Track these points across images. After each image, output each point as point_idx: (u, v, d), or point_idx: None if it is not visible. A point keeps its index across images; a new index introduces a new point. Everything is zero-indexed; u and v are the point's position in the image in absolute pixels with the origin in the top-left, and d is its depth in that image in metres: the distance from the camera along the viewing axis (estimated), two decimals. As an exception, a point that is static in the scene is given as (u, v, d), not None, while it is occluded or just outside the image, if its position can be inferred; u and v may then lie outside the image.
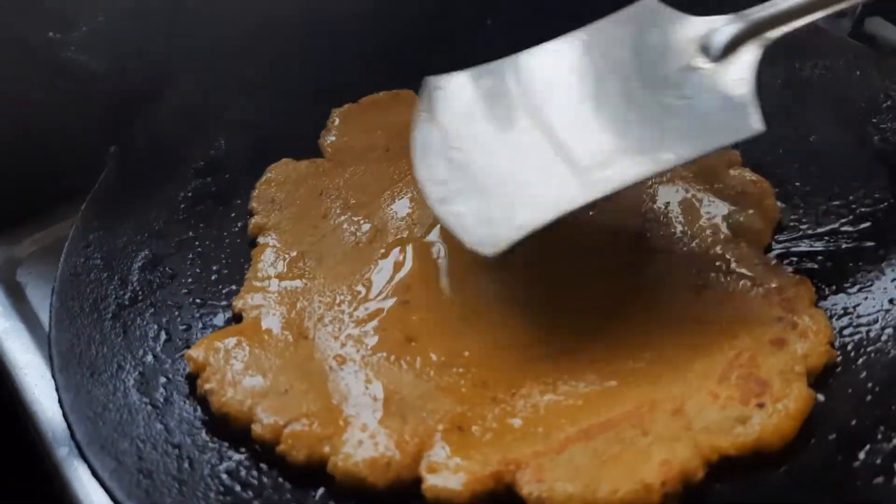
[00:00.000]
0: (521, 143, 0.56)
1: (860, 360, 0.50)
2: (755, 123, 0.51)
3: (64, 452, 0.56)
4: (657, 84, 0.56)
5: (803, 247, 0.57)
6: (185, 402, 0.52)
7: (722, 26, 0.56)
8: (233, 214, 0.64)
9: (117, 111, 0.67)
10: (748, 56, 0.55)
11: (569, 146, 0.55)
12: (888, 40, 0.76)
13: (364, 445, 0.47)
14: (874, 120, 0.62)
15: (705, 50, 0.56)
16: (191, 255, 0.61)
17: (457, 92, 0.60)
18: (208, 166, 0.67)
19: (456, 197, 0.54)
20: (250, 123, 0.69)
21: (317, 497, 0.48)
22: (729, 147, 0.59)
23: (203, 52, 0.68)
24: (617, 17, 0.60)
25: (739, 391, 0.48)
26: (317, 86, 0.71)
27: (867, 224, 0.57)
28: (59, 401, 0.52)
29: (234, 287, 0.59)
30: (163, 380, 0.54)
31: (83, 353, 0.55)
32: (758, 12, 0.56)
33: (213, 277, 0.60)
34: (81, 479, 0.54)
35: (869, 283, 0.54)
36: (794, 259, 0.56)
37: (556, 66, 0.60)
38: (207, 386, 0.51)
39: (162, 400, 0.52)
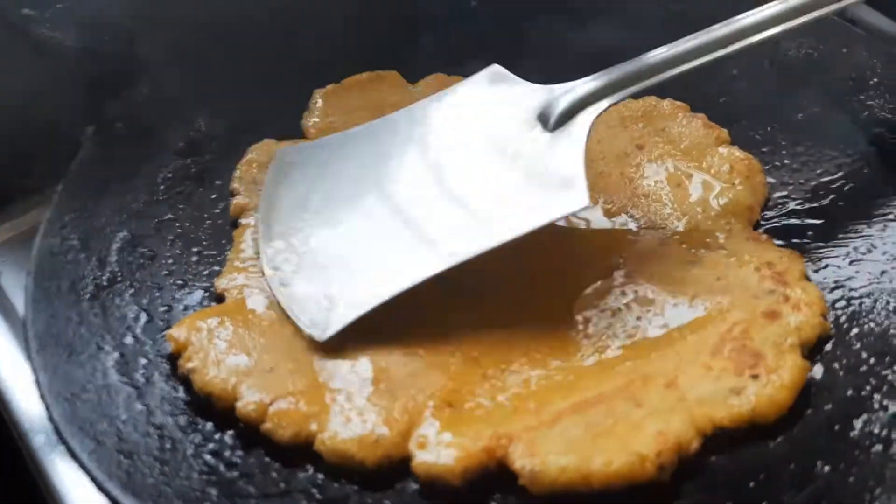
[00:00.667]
0: (364, 219, 0.56)
1: (854, 332, 0.50)
2: (579, 199, 0.50)
3: (41, 440, 0.54)
4: (498, 154, 0.55)
5: (793, 222, 0.56)
6: (166, 382, 0.51)
7: (559, 96, 0.54)
8: (213, 196, 0.63)
9: (94, 91, 0.65)
10: (580, 126, 0.53)
11: (410, 220, 0.54)
12: (870, 24, 0.76)
13: (352, 423, 0.46)
14: (861, 97, 0.62)
15: (543, 119, 0.54)
16: (171, 237, 0.60)
17: (303, 165, 0.60)
18: (188, 147, 0.66)
19: (296, 278, 0.54)
20: (230, 104, 0.68)
21: (304, 477, 0.46)
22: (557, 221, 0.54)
23: (182, 31, 0.67)
24: (463, 85, 0.60)
25: (733, 363, 0.47)
26: (298, 67, 0.70)
27: (856, 199, 0.57)
28: (37, 382, 0.50)
29: (215, 268, 0.58)
30: (143, 361, 0.52)
31: (60, 333, 0.53)
32: (591, 82, 0.54)
33: (193, 259, 0.59)
34: (59, 468, 0.52)
35: (860, 257, 0.53)
36: (785, 234, 0.56)
37: (400, 136, 0.59)
38: (189, 365, 0.50)
39: (143, 381, 0.51)
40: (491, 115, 0.57)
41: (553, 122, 0.54)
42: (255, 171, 0.63)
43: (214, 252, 0.59)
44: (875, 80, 0.62)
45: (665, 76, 0.54)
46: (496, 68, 0.59)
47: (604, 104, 0.54)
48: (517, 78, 0.58)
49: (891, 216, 0.55)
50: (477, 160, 0.55)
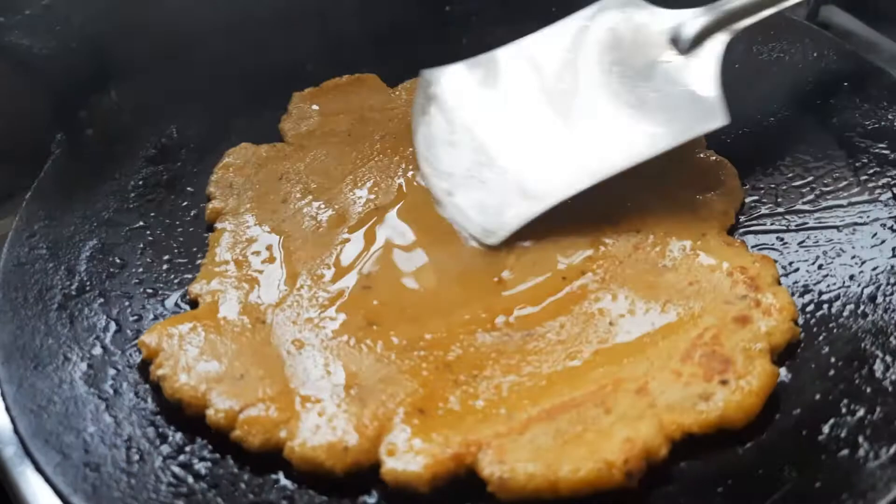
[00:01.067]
0: (515, 134, 0.59)
1: (822, 336, 0.50)
2: (719, 117, 0.54)
3: (10, 452, 0.53)
4: (632, 77, 0.58)
5: (765, 226, 0.57)
6: (135, 393, 0.50)
7: (690, 19, 0.58)
8: (185, 203, 0.63)
9: (63, 98, 0.65)
10: (713, 48, 0.57)
11: (558, 136, 0.58)
12: (842, 27, 0.77)
13: (321, 430, 0.46)
14: (832, 101, 0.62)
15: (674, 42, 0.58)
16: (141, 245, 0.60)
17: (452, 85, 0.63)
18: (159, 154, 0.66)
19: (458, 189, 0.58)
20: (202, 111, 0.67)
21: (274, 487, 0.46)
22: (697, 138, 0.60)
23: (153, 37, 0.66)
24: (589, 11, 0.62)
25: (703, 369, 0.47)
26: (273, 72, 0.69)
27: (827, 203, 0.57)
28: (1, 394, 0.49)
29: (187, 276, 0.57)
30: (112, 371, 0.52)
31: (27, 344, 0.52)
32: (724, 5, 0.58)
33: (164, 267, 0.58)
34: (28, 479, 0.52)
35: (830, 261, 0.53)
36: (756, 239, 0.56)
37: (540, 59, 0.62)
38: (160, 372, 0.49)
39: (111, 392, 0.50)
40: (623, 39, 0.60)
41: (687, 44, 0.57)
42: (232, 175, 0.63)
43: (185, 260, 0.59)
44: (845, 83, 0.63)
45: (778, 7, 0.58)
46: None
47: (738, 26, 0.57)
48: (644, 3, 0.61)
49: (860, 220, 0.55)
50: (616, 81, 0.59)
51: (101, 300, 0.56)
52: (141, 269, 0.58)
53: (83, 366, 0.52)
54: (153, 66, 0.67)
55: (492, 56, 0.63)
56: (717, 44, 0.57)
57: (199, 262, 0.58)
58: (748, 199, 0.58)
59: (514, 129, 0.60)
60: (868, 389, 0.46)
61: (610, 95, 0.58)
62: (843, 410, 0.45)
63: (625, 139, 0.56)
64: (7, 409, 0.49)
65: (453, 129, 0.61)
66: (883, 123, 0.59)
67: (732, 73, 0.65)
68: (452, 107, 0.62)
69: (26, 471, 0.47)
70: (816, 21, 0.76)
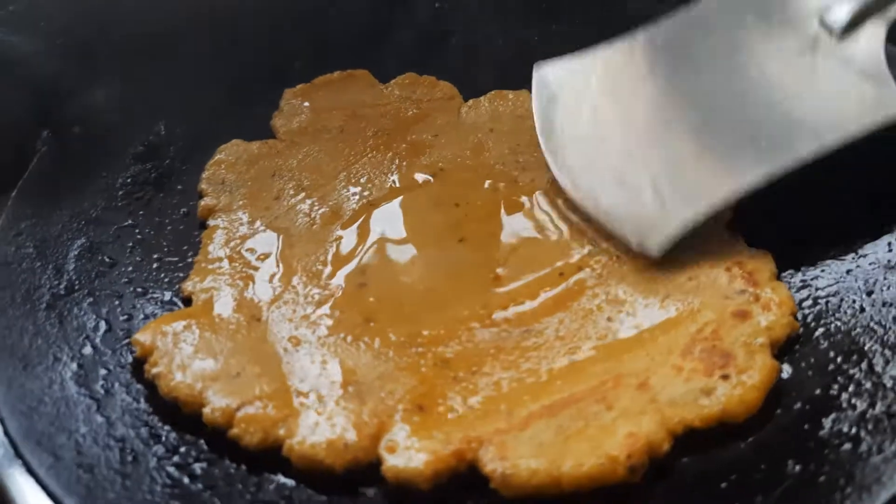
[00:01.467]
0: (655, 129, 0.55)
1: (821, 331, 0.50)
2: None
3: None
4: (784, 62, 0.54)
5: (761, 220, 0.56)
6: (127, 393, 0.50)
7: (839, 1, 0.54)
8: (174, 201, 0.62)
9: (49, 94, 0.64)
10: (874, 32, 0.53)
11: (705, 132, 0.54)
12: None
13: (320, 427, 0.45)
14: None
15: (827, 26, 0.54)
16: (130, 243, 0.59)
17: (572, 78, 0.59)
18: (147, 152, 0.65)
19: (600, 191, 0.54)
20: (190, 108, 0.66)
21: (272, 488, 0.45)
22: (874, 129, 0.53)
23: (140, 33, 0.65)
24: None
25: (703, 364, 0.47)
26: (262, 69, 0.69)
27: (823, 197, 0.57)
28: (-9, 396, 0.48)
29: (177, 275, 0.56)
30: (103, 371, 0.51)
31: (15, 345, 0.51)
32: None
33: (154, 266, 0.57)
34: (18, 482, 0.51)
35: (826, 256, 0.53)
36: (753, 233, 0.56)
37: (674, 47, 0.58)
38: (155, 370, 0.48)
39: (102, 392, 0.50)
40: (770, 21, 0.56)
41: (843, 26, 0.53)
42: (224, 171, 0.62)
43: (176, 258, 0.58)
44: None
45: None
46: None
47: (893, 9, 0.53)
48: None
49: (856, 214, 0.55)
50: (766, 69, 0.54)
51: (91, 299, 0.55)
52: (130, 268, 0.57)
53: (73, 366, 0.51)
54: (140, 63, 0.66)
55: (617, 46, 0.59)
56: (877, 27, 0.53)
57: (189, 260, 0.57)
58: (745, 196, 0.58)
59: (653, 123, 0.56)
60: (868, 384, 0.46)
61: (762, 84, 0.54)
62: (844, 405, 0.45)
63: (788, 133, 0.52)
64: (-5, 410, 0.48)
65: (582, 126, 0.57)
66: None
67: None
68: (583, 105, 0.58)
69: (14, 473, 0.46)
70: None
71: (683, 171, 0.53)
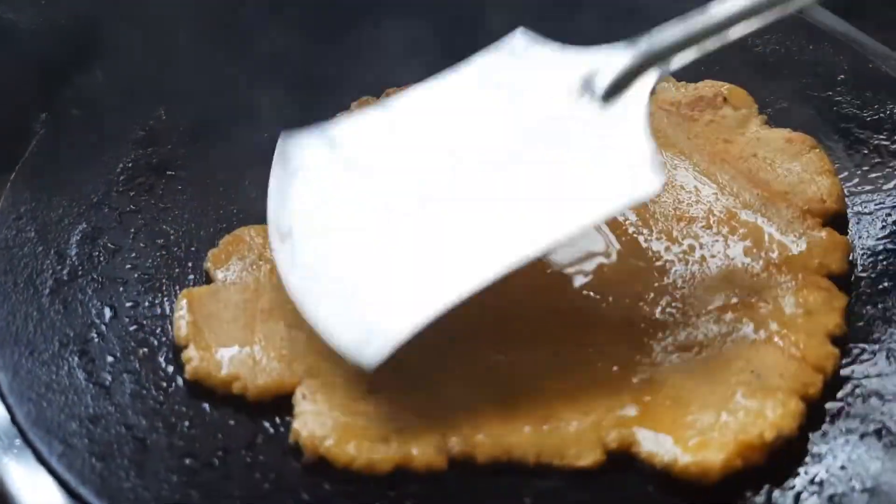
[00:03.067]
0: (394, 219, 0.48)
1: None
2: (653, 182, 0.44)
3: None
4: (540, 134, 0.48)
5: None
6: (136, 381, 0.48)
7: (607, 60, 0.48)
8: (177, 187, 0.60)
9: (48, 76, 0.62)
10: (638, 95, 0.47)
11: (450, 218, 0.46)
12: (827, 26, 0.78)
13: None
14: (829, 92, 0.63)
15: (589, 89, 0.47)
16: (133, 229, 0.57)
17: (319, 153, 0.52)
18: (148, 137, 0.63)
19: (325, 293, 0.47)
20: (193, 93, 0.65)
21: (290, 473, 0.44)
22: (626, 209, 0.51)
23: (145, 14, 0.64)
24: (486, 55, 0.53)
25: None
26: (269, 52, 0.67)
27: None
28: (-4, 382, 0.47)
29: (182, 261, 0.55)
30: (110, 359, 0.50)
31: (20, 330, 0.50)
32: (650, 39, 0.48)
33: (160, 252, 0.56)
34: (11, 473, 0.49)
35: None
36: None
37: (423, 118, 0.52)
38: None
39: (110, 379, 0.48)
40: (528, 86, 0.50)
41: (604, 90, 0.47)
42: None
43: (180, 245, 0.56)
44: (842, 76, 0.63)
45: (729, 35, 0.47)
46: (523, 33, 0.52)
47: (669, 67, 0.47)
48: (549, 41, 0.51)
49: (864, 210, 0.56)
50: (520, 140, 0.48)
51: (95, 285, 0.53)
52: (134, 254, 0.56)
53: (80, 352, 0.49)
54: (143, 45, 0.65)
55: (371, 113, 0.54)
56: (643, 87, 0.47)
57: (192, 248, 0.56)
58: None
59: (402, 209, 0.48)
60: (885, 374, 0.46)
61: (515, 157, 0.47)
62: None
63: (538, 215, 0.45)
64: (2, 397, 0.46)
65: (319, 214, 0.50)
66: (882, 115, 0.60)
67: (729, 66, 0.66)
68: (320, 183, 0.51)
69: (24, 461, 0.45)
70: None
71: (418, 269, 0.46)
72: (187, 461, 0.45)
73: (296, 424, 0.45)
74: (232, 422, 0.47)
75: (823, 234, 0.52)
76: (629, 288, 0.50)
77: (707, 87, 0.63)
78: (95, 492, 0.42)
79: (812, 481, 0.42)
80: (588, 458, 0.43)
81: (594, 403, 0.44)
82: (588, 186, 0.46)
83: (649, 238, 0.53)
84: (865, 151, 0.59)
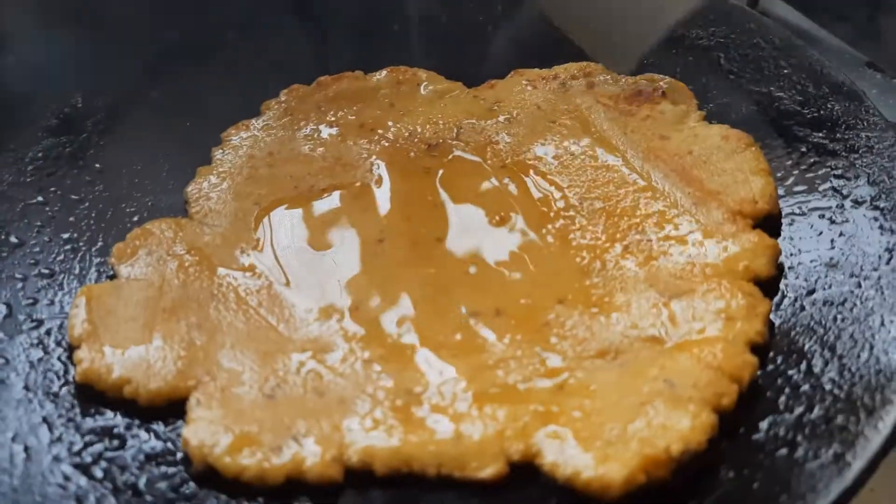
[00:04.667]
0: None
1: (760, 330, 0.48)
2: None
3: None
4: None
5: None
6: (25, 386, 0.46)
7: None
8: (90, 178, 0.58)
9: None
10: None
11: None
12: (782, 19, 0.76)
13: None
14: (771, 88, 0.61)
15: None
16: (39, 222, 0.55)
17: None
18: (62, 124, 0.61)
19: None
20: (112, 78, 0.62)
21: (175, 486, 0.42)
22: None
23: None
24: None
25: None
26: (189, 37, 0.64)
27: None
28: None
29: (89, 257, 0.53)
30: (0, 361, 0.47)
31: None
32: None
33: (65, 247, 0.54)
34: None
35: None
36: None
37: None
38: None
39: (-2, 383, 0.46)
40: None
41: None
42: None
43: (87, 239, 0.54)
44: (786, 70, 0.61)
45: None
46: None
47: None
48: None
49: (797, 211, 0.54)
50: None
51: (-10, 282, 0.51)
52: (37, 249, 0.53)
53: (-33, 354, 0.47)
54: (56, 27, 0.62)
55: None
56: None
57: (100, 243, 0.53)
58: (686, 188, 0.56)
59: None
60: (806, 386, 0.44)
61: None
62: (782, 408, 0.44)
63: None
64: None
65: None
66: (822, 112, 0.58)
67: (672, 57, 0.64)
68: None
69: None
70: (757, 10, 0.75)
71: None
72: (68, 471, 0.42)
73: (186, 432, 0.43)
74: (121, 428, 0.44)
75: (753, 236, 0.50)
76: (547, 288, 0.48)
77: (646, 80, 0.61)
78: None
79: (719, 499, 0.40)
80: (490, 469, 0.41)
81: (498, 412, 0.42)
82: None
83: (575, 234, 0.51)
84: (804, 149, 0.57)
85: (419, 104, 0.61)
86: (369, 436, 0.42)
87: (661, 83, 0.61)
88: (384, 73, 0.63)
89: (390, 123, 0.59)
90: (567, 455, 0.40)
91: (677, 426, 0.40)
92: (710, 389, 0.42)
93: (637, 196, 0.53)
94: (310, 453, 0.42)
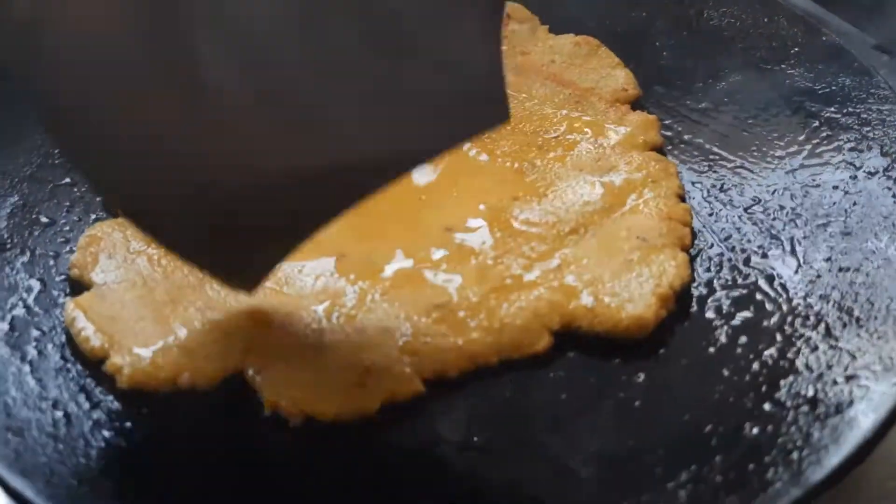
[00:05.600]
0: None
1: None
2: (501, 112, 0.40)
3: None
4: (380, 45, 0.37)
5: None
6: (61, 356, 0.47)
7: None
8: (115, 160, 0.59)
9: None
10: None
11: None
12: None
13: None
14: (782, 66, 0.62)
15: None
16: (67, 202, 0.56)
17: None
18: (87, 109, 0.61)
19: (192, 228, 0.41)
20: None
21: (217, 454, 0.43)
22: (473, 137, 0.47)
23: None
24: None
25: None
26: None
27: (780, 167, 0.56)
28: (-89, 355, 0.46)
29: (117, 235, 0.54)
30: (36, 333, 0.48)
31: (-59, 303, 0.49)
32: None
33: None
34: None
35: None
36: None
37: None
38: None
39: (35, 353, 0.47)
40: None
41: None
42: None
43: (113, 217, 0.55)
44: (796, 49, 0.63)
45: None
46: None
47: None
48: None
49: (811, 183, 0.55)
50: (357, 52, 0.36)
51: (24, 259, 0.52)
52: (67, 228, 0.54)
53: (4, 326, 0.48)
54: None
55: None
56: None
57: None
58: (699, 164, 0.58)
59: None
60: (825, 346, 0.46)
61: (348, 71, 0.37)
62: (801, 368, 0.45)
63: (370, 137, 0.38)
64: (-82, 370, 0.45)
65: None
66: (833, 88, 0.59)
67: (682, 37, 0.65)
68: None
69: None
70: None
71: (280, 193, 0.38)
72: (108, 435, 0.43)
73: (268, 395, 0.44)
74: (156, 398, 0.45)
75: (637, 116, 0.59)
76: (498, 192, 0.54)
77: None
78: (8, 465, 0.41)
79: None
80: (541, 343, 0.47)
81: (521, 297, 0.48)
82: (434, 113, 0.39)
83: (496, 147, 0.56)
84: (816, 124, 0.58)
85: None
86: (431, 346, 0.45)
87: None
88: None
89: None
90: (598, 312, 0.47)
91: (668, 268, 0.49)
92: (672, 235, 0.51)
93: (528, 106, 0.59)
94: (391, 378, 0.44)
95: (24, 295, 0.50)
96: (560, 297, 0.48)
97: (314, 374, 0.45)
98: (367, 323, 0.47)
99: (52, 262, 0.52)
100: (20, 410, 0.44)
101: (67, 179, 0.57)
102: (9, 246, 0.52)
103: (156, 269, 0.50)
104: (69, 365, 0.47)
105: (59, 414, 0.44)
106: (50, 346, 0.47)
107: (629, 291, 0.48)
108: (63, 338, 0.48)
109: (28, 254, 0.52)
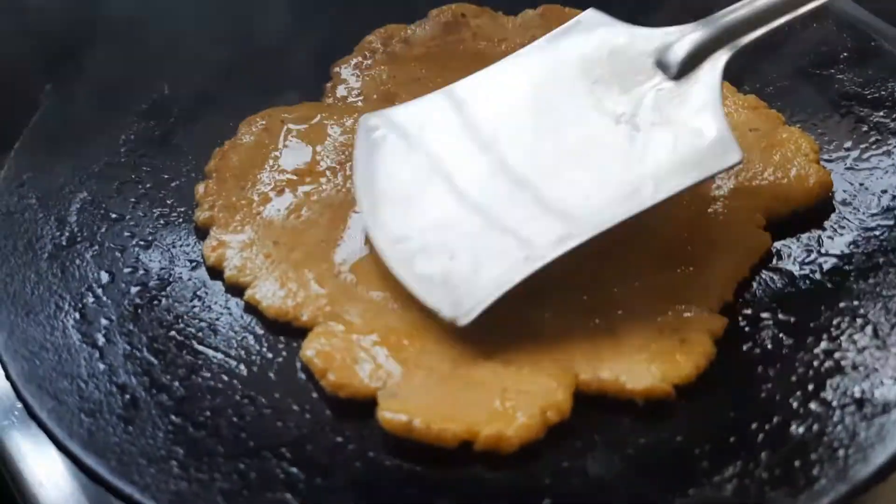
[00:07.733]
0: (479, 186, 0.51)
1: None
2: (732, 153, 0.46)
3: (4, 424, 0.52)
4: (614, 111, 0.50)
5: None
6: (129, 343, 0.49)
7: (678, 38, 0.50)
8: (177, 160, 0.61)
9: (54, 47, 0.63)
10: (711, 71, 0.49)
11: (531, 187, 0.49)
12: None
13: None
14: (830, 70, 0.62)
15: (662, 66, 0.50)
16: (133, 198, 0.58)
17: (399, 129, 0.55)
18: (151, 110, 0.64)
19: (418, 256, 0.49)
20: (196, 70, 0.66)
21: (276, 436, 0.45)
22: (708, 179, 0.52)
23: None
24: (558, 34, 0.54)
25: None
26: (271, 32, 0.68)
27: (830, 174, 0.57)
28: (-7, 342, 0.48)
29: (180, 230, 0.56)
30: (105, 321, 0.51)
31: (17, 292, 0.51)
32: (720, 18, 0.51)
33: (158, 221, 0.57)
34: (22, 450, 0.51)
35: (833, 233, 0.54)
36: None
37: (500, 95, 0.54)
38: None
39: (104, 341, 0.49)
40: (601, 66, 0.52)
41: (678, 67, 0.50)
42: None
43: (179, 214, 0.57)
44: (844, 53, 0.63)
45: (788, 17, 0.51)
46: (593, 14, 0.54)
47: (739, 42, 0.50)
48: (620, 21, 0.53)
49: (861, 187, 0.55)
50: (595, 116, 0.50)
51: (93, 251, 0.54)
52: (133, 223, 0.57)
53: (75, 314, 0.50)
54: (148, 19, 0.65)
55: (448, 92, 0.55)
56: (715, 64, 0.49)
57: (189, 217, 0.57)
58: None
59: (478, 180, 0.51)
60: (873, 348, 0.46)
61: (590, 134, 0.50)
62: (849, 369, 0.45)
63: (618, 184, 0.48)
64: (-3, 354, 0.48)
65: (408, 182, 0.52)
66: (882, 93, 0.60)
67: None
68: (405, 155, 0.53)
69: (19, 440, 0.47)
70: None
71: (504, 232, 0.48)
72: (175, 419, 0.45)
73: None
74: (220, 384, 0.47)
75: None
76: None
77: (440, 13, 0.67)
78: (82, 445, 0.43)
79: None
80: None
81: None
82: (670, 158, 0.48)
83: None
84: (865, 129, 0.58)
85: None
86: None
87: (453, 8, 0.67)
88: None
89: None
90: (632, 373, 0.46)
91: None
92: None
93: None
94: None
95: (94, 285, 0.52)
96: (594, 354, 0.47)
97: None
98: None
99: (119, 255, 0.55)
100: (92, 393, 0.46)
101: (133, 176, 0.60)
102: (79, 239, 0.55)
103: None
104: (137, 352, 0.49)
105: (129, 398, 0.46)
106: (118, 333, 0.50)
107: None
108: (131, 325, 0.50)
109: (97, 247, 0.55)
